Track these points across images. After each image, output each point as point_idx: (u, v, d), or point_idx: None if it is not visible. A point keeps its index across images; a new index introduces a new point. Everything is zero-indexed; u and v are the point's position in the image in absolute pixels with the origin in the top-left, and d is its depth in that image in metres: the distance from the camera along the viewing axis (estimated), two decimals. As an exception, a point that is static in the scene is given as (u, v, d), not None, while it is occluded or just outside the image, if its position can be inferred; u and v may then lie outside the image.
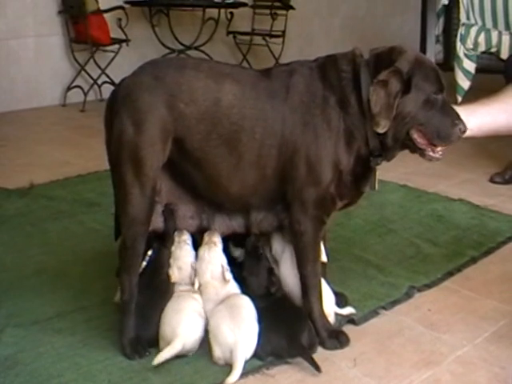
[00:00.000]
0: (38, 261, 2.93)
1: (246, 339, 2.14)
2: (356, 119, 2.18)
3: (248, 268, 2.39)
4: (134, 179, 2.18)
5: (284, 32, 6.86)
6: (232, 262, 2.42)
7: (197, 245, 2.41)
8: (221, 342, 2.14)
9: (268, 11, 6.80)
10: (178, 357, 2.18)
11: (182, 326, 2.16)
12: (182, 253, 2.37)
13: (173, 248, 2.38)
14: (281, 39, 6.90)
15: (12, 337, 2.32)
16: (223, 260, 2.36)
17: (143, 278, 2.29)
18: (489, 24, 4.67)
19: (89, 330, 2.36)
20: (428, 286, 2.73)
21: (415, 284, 2.72)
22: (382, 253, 3.04)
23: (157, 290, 2.32)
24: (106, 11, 6.06)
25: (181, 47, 6.58)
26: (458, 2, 4.76)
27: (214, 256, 2.35)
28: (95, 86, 6.27)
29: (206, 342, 2.21)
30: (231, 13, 6.85)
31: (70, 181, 4.02)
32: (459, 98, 4.59)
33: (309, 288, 2.28)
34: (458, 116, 2.17)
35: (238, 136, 2.19)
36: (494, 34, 4.61)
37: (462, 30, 4.71)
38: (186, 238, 2.41)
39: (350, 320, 2.44)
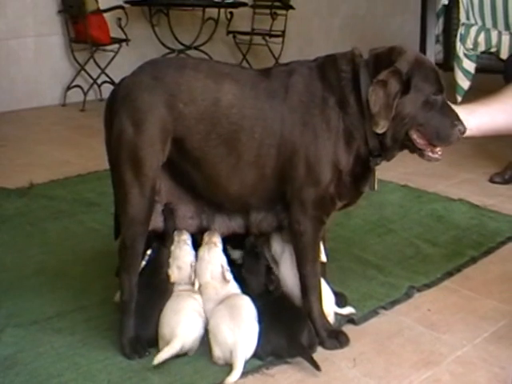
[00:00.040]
0: (37, 260, 2.93)
1: (246, 339, 2.14)
2: (355, 119, 2.18)
3: (246, 266, 2.39)
4: (133, 179, 2.18)
5: (284, 32, 6.86)
6: (232, 263, 2.42)
7: (197, 245, 2.41)
8: (220, 342, 2.14)
9: (268, 11, 6.80)
10: (178, 356, 2.18)
11: (180, 326, 2.16)
12: (182, 252, 2.37)
13: (172, 247, 2.39)
14: (280, 39, 6.89)
15: (12, 337, 2.32)
16: (223, 260, 2.36)
17: (143, 277, 2.29)
18: (488, 24, 4.67)
19: (88, 330, 2.36)
20: (428, 286, 2.73)
21: (415, 284, 2.72)
22: (382, 253, 3.04)
23: (156, 289, 2.32)
24: (106, 11, 6.06)
25: (181, 47, 6.58)
26: (458, 2, 4.76)
27: (214, 256, 2.35)
28: (95, 86, 6.27)
29: (205, 342, 2.21)
30: (231, 12, 6.85)
31: (69, 180, 4.02)
32: (459, 98, 4.59)
33: (308, 288, 2.28)
34: (457, 117, 2.17)
35: (238, 136, 2.19)
36: (494, 34, 4.60)
37: (461, 30, 4.70)
38: (186, 237, 2.41)
39: (350, 320, 2.44)
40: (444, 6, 5.00)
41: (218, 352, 2.16)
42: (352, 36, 7.61)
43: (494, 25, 4.64)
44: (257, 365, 2.16)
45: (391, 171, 3.58)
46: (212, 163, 2.23)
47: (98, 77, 6.22)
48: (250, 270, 2.39)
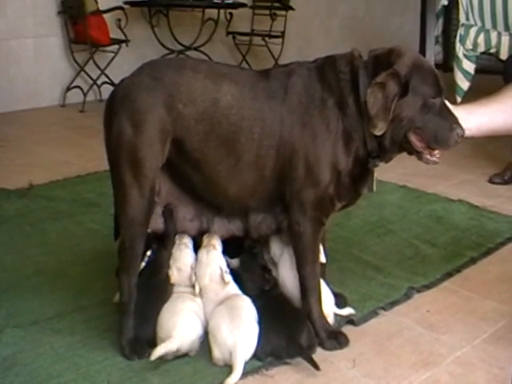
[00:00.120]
0: (37, 261, 2.93)
1: (246, 341, 2.14)
2: (354, 121, 2.18)
3: (243, 266, 2.40)
4: (132, 180, 2.18)
5: (283, 32, 6.87)
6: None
7: (197, 247, 2.41)
8: (220, 343, 2.14)
9: (267, 12, 6.80)
10: (178, 357, 2.18)
11: (177, 328, 2.16)
12: (182, 254, 2.37)
13: (173, 250, 2.39)
14: (280, 40, 6.90)
15: (11, 337, 2.32)
16: (222, 262, 2.36)
17: (142, 278, 2.29)
18: (488, 25, 4.67)
19: (88, 331, 2.36)
20: (427, 287, 2.73)
21: (414, 285, 2.72)
22: (381, 253, 3.04)
23: (156, 290, 2.32)
24: (106, 12, 6.06)
25: (180, 48, 6.58)
26: (458, 3, 4.76)
27: (213, 259, 2.34)
28: (95, 87, 6.27)
29: (205, 343, 2.21)
30: (230, 13, 6.85)
31: (69, 181, 4.02)
32: (458, 99, 4.59)
33: (308, 289, 2.29)
34: (456, 120, 2.16)
35: (237, 137, 2.19)
36: (494, 35, 4.60)
37: (461, 31, 4.70)
38: (187, 241, 2.41)
39: (349, 321, 2.45)
40: (444, 6, 5.00)
41: (217, 353, 2.16)
42: (351, 37, 7.62)
43: (494, 26, 4.64)
44: (256, 366, 2.16)
45: (390, 172, 3.58)
46: (211, 164, 2.23)
47: (98, 77, 6.22)
48: (246, 269, 2.39)
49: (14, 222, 3.39)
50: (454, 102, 2.57)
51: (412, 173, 4.03)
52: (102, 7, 6.04)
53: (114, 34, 6.15)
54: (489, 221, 3.44)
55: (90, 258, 2.94)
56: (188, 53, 6.49)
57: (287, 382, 2.12)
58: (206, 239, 2.39)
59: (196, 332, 2.21)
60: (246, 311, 2.22)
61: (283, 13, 6.83)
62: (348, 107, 2.17)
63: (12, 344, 2.28)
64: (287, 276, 2.39)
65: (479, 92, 2.91)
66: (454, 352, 2.29)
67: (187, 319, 2.20)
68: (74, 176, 4.10)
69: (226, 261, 2.40)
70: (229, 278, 2.32)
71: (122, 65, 5.83)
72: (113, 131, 2.21)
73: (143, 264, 2.34)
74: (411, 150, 2.20)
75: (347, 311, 2.47)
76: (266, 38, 6.84)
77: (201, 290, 2.32)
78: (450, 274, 2.85)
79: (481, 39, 4.64)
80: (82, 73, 6.18)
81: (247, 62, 6.94)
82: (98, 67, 6.16)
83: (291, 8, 6.87)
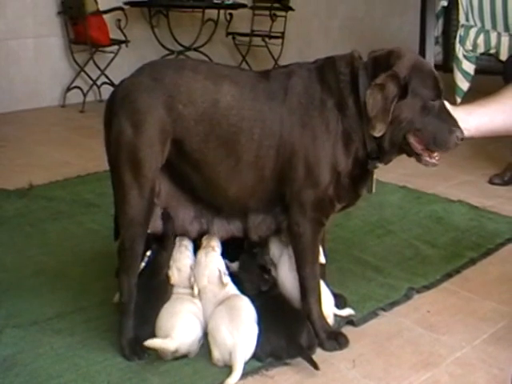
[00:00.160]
0: (37, 261, 2.93)
1: (245, 341, 2.14)
2: (354, 122, 2.18)
3: (242, 265, 2.40)
4: (132, 180, 2.18)
5: (283, 33, 6.87)
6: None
7: (197, 249, 2.41)
8: (220, 344, 2.14)
9: (267, 12, 6.80)
10: (178, 358, 2.18)
11: (176, 330, 2.15)
12: (182, 255, 2.37)
13: (173, 251, 2.38)
14: (280, 40, 6.90)
15: (11, 337, 2.32)
16: (221, 264, 2.36)
17: (142, 278, 2.29)
18: (488, 25, 4.67)
19: (88, 331, 2.36)
20: (427, 288, 2.73)
21: (414, 285, 2.73)
22: (381, 254, 3.04)
23: (156, 290, 2.32)
24: (106, 12, 6.06)
25: (180, 48, 6.58)
26: (458, 4, 4.76)
27: (211, 261, 2.34)
28: (94, 87, 6.27)
29: (205, 343, 2.21)
30: (230, 14, 6.85)
31: (69, 181, 4.02)
32: (458, 100, 4.59)
33: (308, 290, 2.29)
34: (455, 123, 2.15)
35: (237, 137, 2.19)
36: (493, 36, 4.60)
37: (461, 32, 4.70)
38: (187, 243, 2.41)
39: (349, 321, 2.45)
40: (443, 7, 5.00)
41: (217, 354, 2.16)
42: (351, 37, 7.62)
43: (494, 26, 4.64)
44: (256, 366, 2.17)
45: (390, 172, 3.58)
46: (211, 165, 2.23)
47: (98, 78, 6.21)
48: (245, 269, 2.39)
49: (14, 222, 3.39)
50: (453, 103, 2.58)
51: (412, 173, 4.03)
52: (102, 7, 6.04)
53: (114, 34, 6.15)
54: (489, 221, 3.44)
55: (90, 259, 2.94)
56: (188, 53, 6.49)
57: (287, 382, 2.12)
58: (205, 241, 2.39)
59: (195, 333, 2.21)
60: (246, 312, 2.22)
61: (283, 13, 6.83)
62: (348, 108, 2.17)
63: (12, 344, 2.28)
64: (286, 277, 2.39)
65: (479, 93, 2.91)
66: (454, 353, 2.29)
67: (186, 320, 2.20)
68: (74, 176, 4.10)
69: (226, 264, 2.40)
70: (227, 280, 2.32)
71: (121, 65, 5.83)
72: (113, 132, 2.21)
73: (143, 264, 2.34)
74: (410, 152, 2.20)
75: (347, 312, 2.47)
76: (266, 39, 6.84)
77: (199, 291, 2.32)
78: (449, 275, 2.85)
79: (480, 40, 4.64)
80: (82, 73, 6.17)
81: (247, 63, 6.94)
82: (98, 68, 6.16)
83: (291, 8, 6.87)
